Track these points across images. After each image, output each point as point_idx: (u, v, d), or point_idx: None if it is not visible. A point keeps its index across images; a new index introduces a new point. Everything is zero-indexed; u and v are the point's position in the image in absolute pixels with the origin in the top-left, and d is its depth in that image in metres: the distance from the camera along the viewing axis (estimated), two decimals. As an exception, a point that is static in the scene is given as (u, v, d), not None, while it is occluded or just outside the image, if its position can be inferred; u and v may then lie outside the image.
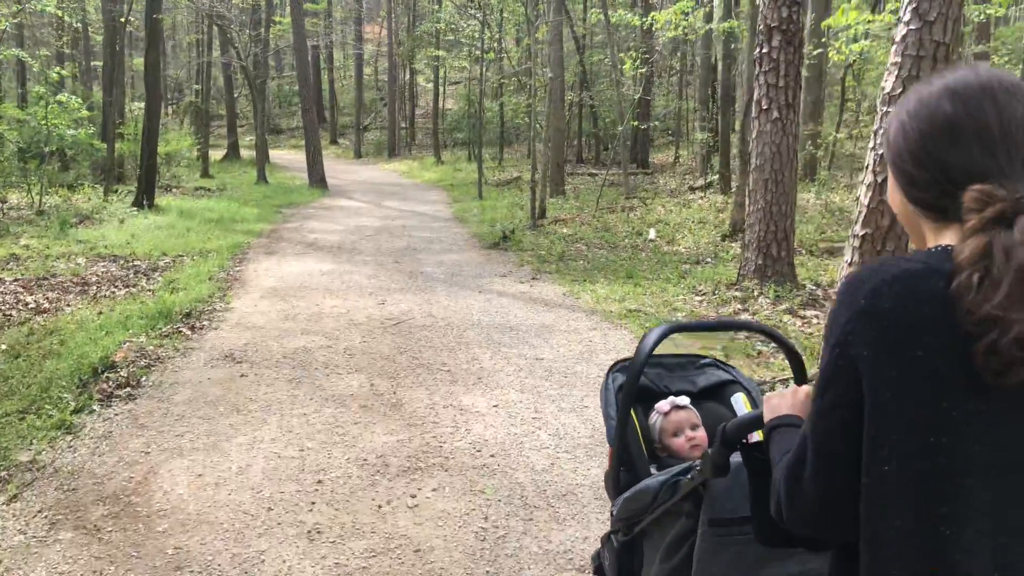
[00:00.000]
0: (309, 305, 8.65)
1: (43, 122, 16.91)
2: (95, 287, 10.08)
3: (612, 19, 18.80)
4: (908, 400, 1.11)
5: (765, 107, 8.27)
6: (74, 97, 17.19)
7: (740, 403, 2.39)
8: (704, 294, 8.89)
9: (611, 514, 2.23)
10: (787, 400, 1.49)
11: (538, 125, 24.36)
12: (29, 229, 14.59)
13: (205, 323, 7.78)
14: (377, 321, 7.99)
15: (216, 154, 32.94)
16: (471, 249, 12.63)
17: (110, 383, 5.95)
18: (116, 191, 19.70)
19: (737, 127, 12.90)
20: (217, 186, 22.84)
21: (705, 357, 2.60)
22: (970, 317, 1.08)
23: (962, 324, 1.09)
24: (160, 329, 7.55)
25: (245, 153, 32.03)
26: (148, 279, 10.49)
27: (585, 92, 22.09)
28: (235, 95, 38.42)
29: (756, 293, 8.31)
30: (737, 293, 8.50)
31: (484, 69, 20.44)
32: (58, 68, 16.95)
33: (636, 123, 18.76)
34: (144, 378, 6.14)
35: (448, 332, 7.57)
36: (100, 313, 8.41)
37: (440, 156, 30.44)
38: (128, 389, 5.90)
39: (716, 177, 19.25)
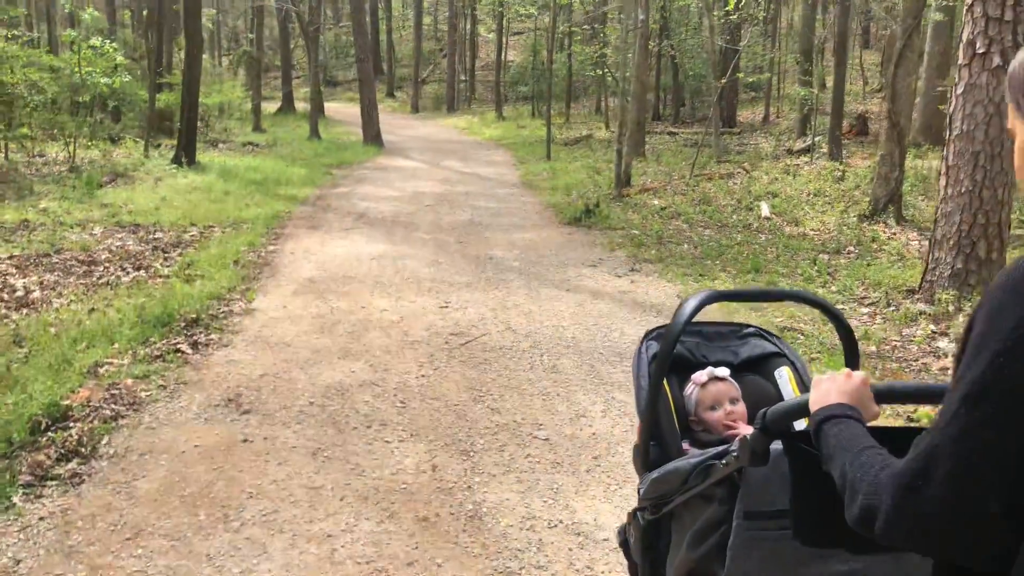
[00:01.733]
0: (353, 307, 6.53)
1: (76, 69, 15.01)
2: (102, 268, 8.12)
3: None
4: None
5: (981, 50, 5.78)
6: (109, 42, 15.19)
7: (785, 378, 2.14)
8: (874, 304, 6.53)
9: (638, 491, 2.00)
10: (838, 387, 1.30)
11: (613, 78, 21.76)
12: (55, 188, 12.75)
13: (213, 337, 5.69)
14: (440, 337, 5.83)
15: (271, 106, 30.99)
16: (547, 225, 10.36)
17: (53, 450, 3.92)
18: (159, 146, 17.82)
19: (874, 84, 10.31)
20: (267, 141, 20.83)
21: (749, 326, 2.27)
22: None
23: None
24: (154, 344, 5.51)
25: (300, 106, 29.96)
26: (166, 259, 8.49)
27: (666, 40, 19.38)
28: (291, 46, 36.33)
29: (953, 308, 5.92)
30: (925, 307, 6.12)
31: (555, 14, 17.89)
32: (91, 9, 14.89)
33: (724, 79, 16.11)
34: (105, 440, 4.09)
35: (536, 360, 5.38)
36: (92, 311, 6.43)
37: (502, 111, 28.00)
38: (76, 462, 3.85)
39: (818, 139, 16.58)
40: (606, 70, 20.92)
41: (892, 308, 6.33)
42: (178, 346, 5.46)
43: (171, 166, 15.26)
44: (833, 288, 7.06)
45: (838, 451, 1.19)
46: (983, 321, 1.03)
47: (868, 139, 17.12)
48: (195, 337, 5.67)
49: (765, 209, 10.59)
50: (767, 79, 19.04)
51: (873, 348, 5.59)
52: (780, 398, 2.09)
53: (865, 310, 6.41)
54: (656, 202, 11.56)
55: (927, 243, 8.60)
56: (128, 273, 7.92)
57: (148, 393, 4.65)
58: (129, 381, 4.77)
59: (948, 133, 6.21)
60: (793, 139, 17.43)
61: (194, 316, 6.03)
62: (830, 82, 18.93)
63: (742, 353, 2.26)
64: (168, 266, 8.20)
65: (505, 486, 3.72)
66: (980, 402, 0.99)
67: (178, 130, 15.73)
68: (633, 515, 2.07)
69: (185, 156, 15.41)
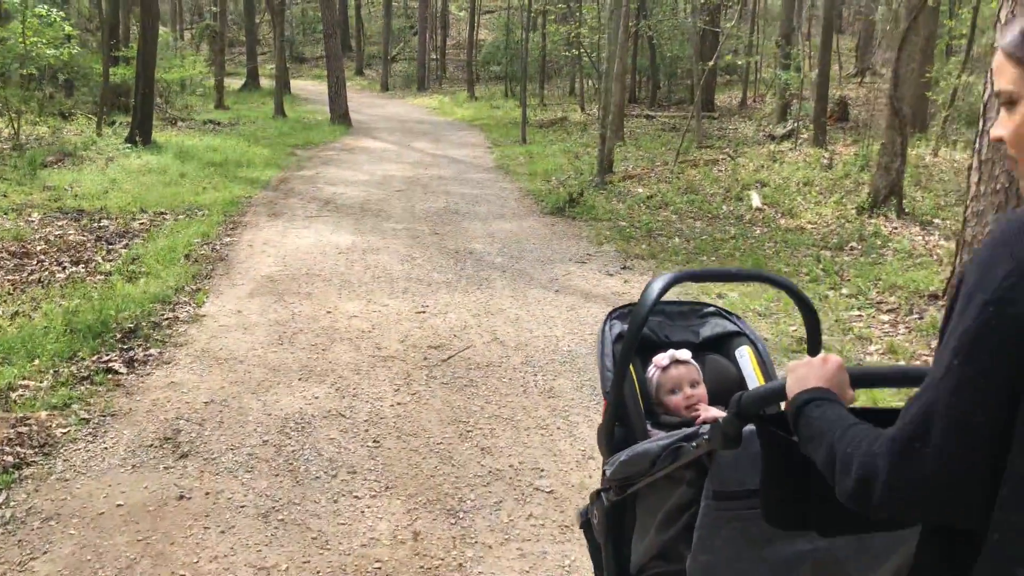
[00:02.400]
0: (317, 312, 5.69)
1: (20, 40, 13.79)
2: (35, 262, 7.17)
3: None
4: None
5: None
6: (55, 11, 13.98)
7: (746, 357, 2.11)
8: (893, 310, 5.83)
9: (603, 472, 1.95)
10: (815, 371, 1.26)
11: (588, 59, 20.88)
12: (-4, 169, 11.65)
13: (153, 352, 4.81)
14: (417, 350, 5.02)
15: (235, 83, 29.63)
16: (528, 215, 9.55)
17: (-67, 514, 3.06)
18: (113, 123, 16.62)
19: (850, 69, 9.64)
20: (230, 119, 19.68)
21: (710, 305, 2.28)
22: None
23: None
24: (82, 361, 4.63)
25: (266, 83, 28.64)
26: (109, 251, 7.55)
27: (644, 21, 18.53)
28: (256, 20, 34.86)
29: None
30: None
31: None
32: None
33: (711, 63, 15.35)
34: (1, 499, 3.24)
35: (529, 381, 4.60)
36: (15, 315, 5.52)
37: (474, 91, 27.00)
38: (-39, 532, 3.01)
39: (797, 124, 15.93)
40: (582, 50, 20.06)
41: (916, 316, 5.65)
42: (110, 364, 4.58)
43: (125, 145, 14.16)
44: (844, 291, 6.36)
45: (823, 431, 1.15)
46: (973, 273, 0.99)
47: (848, 125, 16.52)
48: (132, 352, 4.79)
49: (756, 199, 9.89)
50: (745, 62, 18.32)
51: (903, 363, 4.90)
52: (741, 378, 2.08)
53: (885, 317, 5.72)
54: (640, 190, 10.80)
55: (935, 240, 7.97)
56: (64, 269, 6.98)
57: (65, 431, 3.79)
58: (43, 414, 3.90)
59: (981, 124, 5.51)
60: (774, 124, 16.77)
61: (132, 325, 5.14)
62: (806, 67, 18.31)
63: (703, 332, 2.22)
64: (111, 260, 7.27)
65: (504, 562, 2.94)
66: (973, 354, 0.96)
67: (132, 107, 14.60)
68: (597, 495, 2.01)
69: (140, 135, 14.31)
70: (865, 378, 1.50)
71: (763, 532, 1.48)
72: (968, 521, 1.00)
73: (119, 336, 5.00)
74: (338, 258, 7.21)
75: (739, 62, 16.98)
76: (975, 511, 0.98)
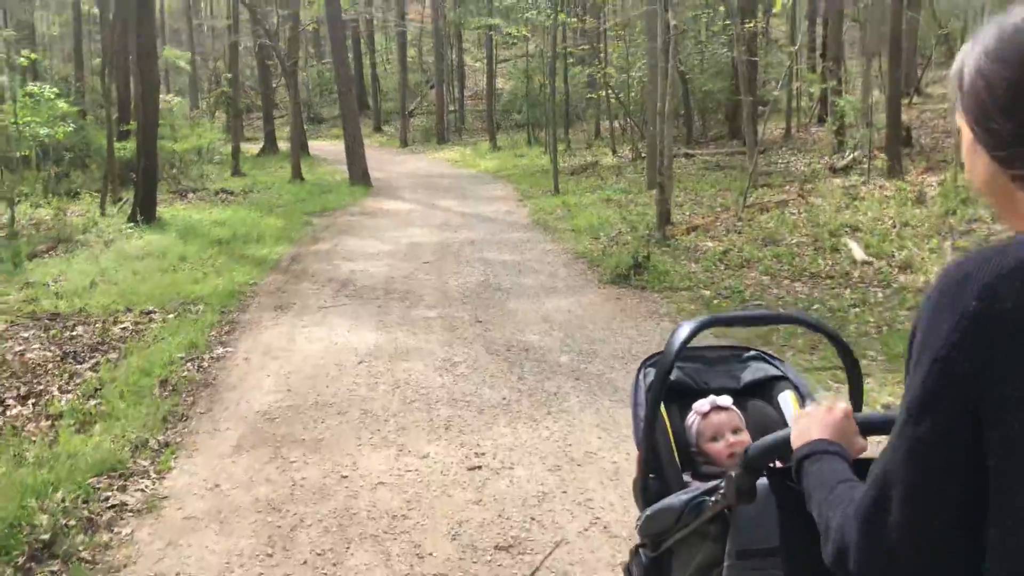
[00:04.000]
0: (327, 478, 3.82)
1: (13, 120, 12.32)
2: (-26, 398, 5.42)
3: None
4: None
5: None
6: (48, 87, 12.51)
7: (788, 402, 1.97)
8: None
9: (636, 527, 1.86)
10: (818, 422, 1.18)
11: (617, 99, 19.19)
12: (-20, 262, 10.07)
13: (66, 593, 2.99)
14: (479, 555, 3.12)
15: (253, 148, 28.35)
16: (585, 286, 7.70)
17: None
18: (119, 201, 15.12)
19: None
20: (245, 187, 18.11)
21: (750, 349, 2.10)
22: None
23: None
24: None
25: (283, 146, 27.26)
26: (74, 374, 5.79)
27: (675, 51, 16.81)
28: (272, 84, 33.78)
29: None
30: None
31: (555, 34, 15.31)
32: (28, 52, 12.22)
33: (747, 94, 13.54)
34: None
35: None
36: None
37: (495, 141, 25.40)
38: None
39: (858, 154, 14.04)
40: (609, 91, 18.39)
41: None
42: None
43: (128, 225, 12.58)
44: None
45: (815, 490, 1.09)
46: (921, 328, 0.93)
47: (914, 151, 14.58)
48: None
49: (858, 251, 7.95)
50: (789, 91, 16.51)
51: None
52: (783, 424, 1.90)
53: None
54: (711, 244, 8.92)
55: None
56: (5, 410, 5.21)
57: None
58: None
59: None
60: (830, 154, 14.87)
61: (48, 536, 3.30)
62: (846, 90, 16.46)
63: (744, 377, 2.04)
64: (71, 390, 5.50)
65: None
66: (925, 413, 0.90)
67: (134, 183, 13.03)
68: (635, 552, 1.88)
69: (142, 213, 12.72)
70: (875, 425, 1.26)
71: None
72: None
73: (24, 559, 3.16)
74: (357, 372, 5.36)
75: (778, 93, 15.14)
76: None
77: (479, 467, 3.88)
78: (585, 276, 8.03)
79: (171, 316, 7.25)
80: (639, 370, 1.97)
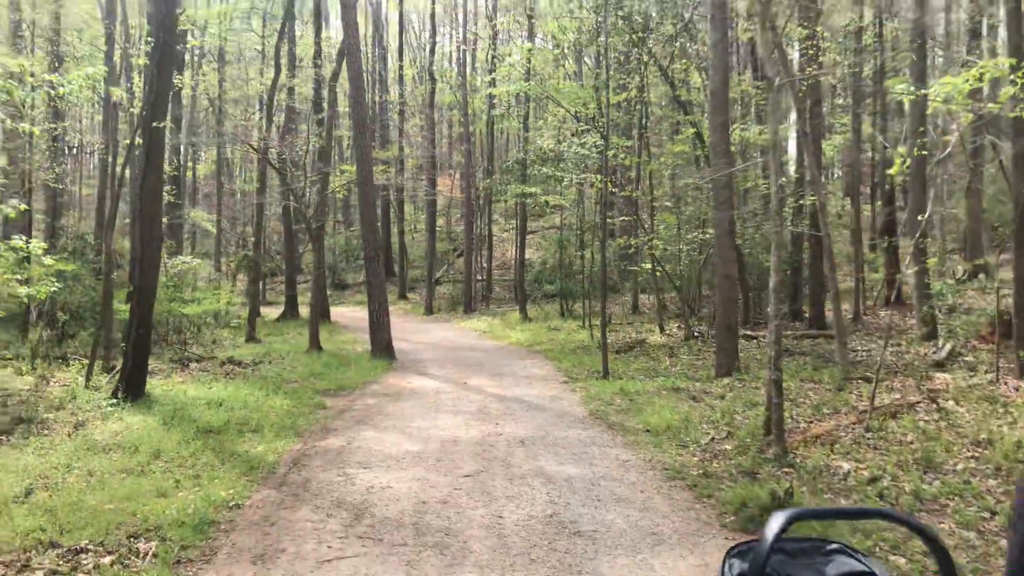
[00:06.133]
0: None
1: (-9, 278, 10.52)
2: None
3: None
4: None
5: None
6: (34, 241, 10.77)
7: None
8: None
9: None
10: None
11: (665, 272, 17.44)
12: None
13: None
14: None
15: (274, 312, 26.72)
16: (701, 528, 5.30)
17: None
18: (112, 370, 13.07)
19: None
20: (256, 356, 16.05)
21: (833, 541, 1.86)
22: None
23: None
24: None
25: (305, 312, 25.64)
26: None
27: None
28: (299, 249, 32.78)
29: None
30: None
31: (604, 199, 13.73)
32: (17, 202, 10.59)
33: (828, 272, 11.63)
34: None
35: None
36: None
37: (526, 311, 23.58)
38: None
39: (952, 344, 11.90)
40: (655, 263, 16.63)
41: None
42: None
43: (109, 402, 10.42)
44: None
45: None
46: None
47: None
48: None
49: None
50: (856, 270, 14.64)
51: None
52: None
53: None
54: (845, 465, 6.54)
55: None
56: None
57: None
58: None
59: None
60: (918, 343, 12.72)
61: None
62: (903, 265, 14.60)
63: (828, 572, 1.82)
64: None
65: None
66: None
67: (123, 353, 10.98)
68: None
69: (129, 388, 10.59)
70: None
71: None
72: None
73: None
74: None
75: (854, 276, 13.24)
76: None
77: None
78: (695, 513, 5.63)
79: (106, 561, 4.89)
80: (723, 561, 1.76)
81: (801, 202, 14.90)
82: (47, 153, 21.85)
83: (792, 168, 15.86)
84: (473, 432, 8.68)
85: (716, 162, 12.37)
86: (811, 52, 14.22)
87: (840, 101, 25.25)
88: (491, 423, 9.21)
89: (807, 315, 16.05)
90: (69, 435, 8.84)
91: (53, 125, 19.74)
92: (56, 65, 20.35)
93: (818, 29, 14.04)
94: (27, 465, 7.29)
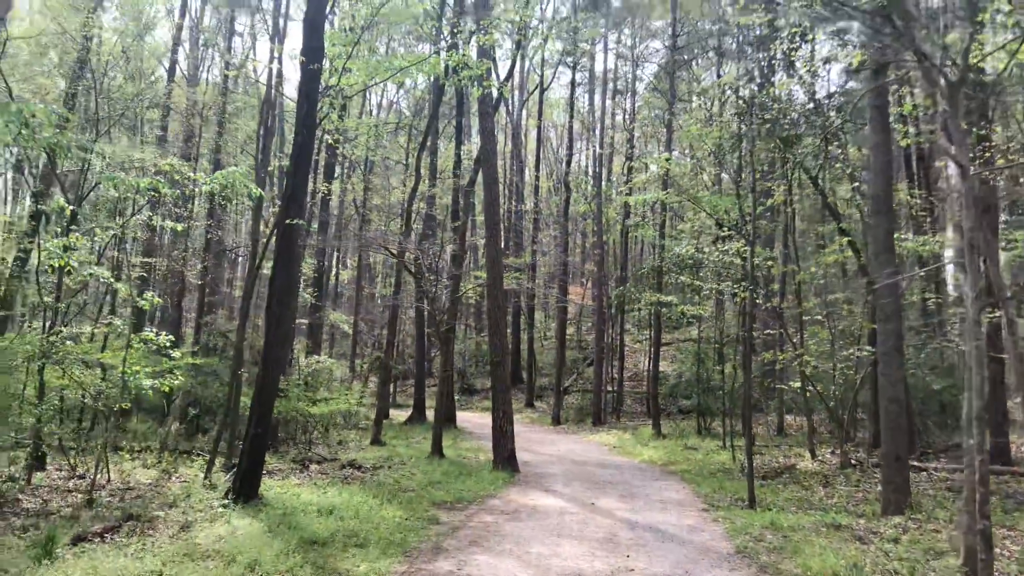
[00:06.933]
0: None
1: (121, 370, 10.56)
2: None
3: None
4: None
5: None
6: (164, 334, 10.81)
7: None
8: None
9: None
10: None
11: (817, 392, 15.66)
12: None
13: None
14: None
15: (403, 415, 26.48)
16: None
17: None
18: (233, 467, 12.80)
19: None
20: (377, 461, 15.49)
21: None
22: None
23: None
24: None
25: (433, 415, 25.23)
26: None
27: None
28: (431, 353, 32.82)
29: None
30: None
31: (751, 304, 12.51)
32: (151, 294, 10.75)
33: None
34: None
35: None
36: None
37: (659, 427, 22.02)
38: None
39: None
40: (807, 381, 14.96)
41: None
42: None
43: (223, 502, 10.01)
44: None
45: None
46: None
47: None
48: None
49: None
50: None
51: None
52: None
53: None
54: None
55: None
56: None
57: None
58: None
59: None
60: None
61: None
62: None
63: None
64: None
65: None
66: None
67: (240, 452, 10.63)
68: None
69: (243, 489, 10.16)
70: None
71: None
72: None
73: None
74: None
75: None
76: None
77: None
78: None
79: None
80: None
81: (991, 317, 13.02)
82: (199, 253, 23.08)
83: (963, 279, 14.03)
84: (600, 565, 7.49)
85: (880, 270, 10.97)
86: (987, 155, 12.74)
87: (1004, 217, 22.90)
88: (620, 555, 7.97)
89: (987, 448, 13.76)
90: (173, 536, 8.40)
91: (196, 222, 20.84)
92: (212, 170, 21.76)
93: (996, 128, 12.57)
94: (119, 569, 6.80)
